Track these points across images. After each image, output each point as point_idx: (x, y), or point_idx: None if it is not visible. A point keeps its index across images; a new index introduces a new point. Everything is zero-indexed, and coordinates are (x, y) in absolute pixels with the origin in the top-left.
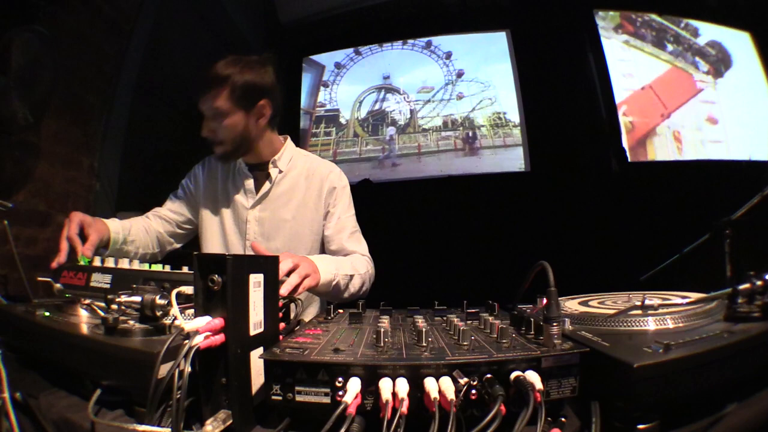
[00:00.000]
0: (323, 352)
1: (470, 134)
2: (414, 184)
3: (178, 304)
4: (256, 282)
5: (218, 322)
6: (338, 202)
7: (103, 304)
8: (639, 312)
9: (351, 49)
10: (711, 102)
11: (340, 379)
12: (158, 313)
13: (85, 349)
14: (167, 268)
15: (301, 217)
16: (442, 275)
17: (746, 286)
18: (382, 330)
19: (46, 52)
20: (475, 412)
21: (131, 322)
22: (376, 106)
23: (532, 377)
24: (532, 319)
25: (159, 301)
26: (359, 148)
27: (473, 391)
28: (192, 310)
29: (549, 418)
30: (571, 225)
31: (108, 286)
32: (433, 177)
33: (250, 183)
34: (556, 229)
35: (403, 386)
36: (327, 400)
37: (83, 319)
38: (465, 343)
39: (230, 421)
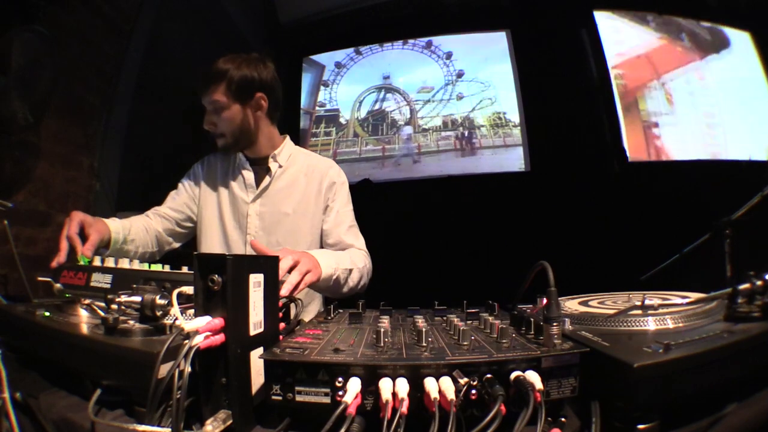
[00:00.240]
0: (323, 352)
1: (466, 134)
2: (414, 184)
3: (179, 304)
4: (256, 282)
5: (218, 322)
6: (337, 196)
7: (103, 304)
8: (639, 312)
9: (351, 49)
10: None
11: (340, 379)
12: (158, 313)
13: (85, 349)
14: (167, 268)
15: (302, 211)
16: (442, 275)
17: (746, 286)
18: (382, 330)
19: (46, 52)
20: (475, 412)
21: (131, 322)
22: (376, 106)
23: (532, 377)
24: (532, 319)
25: (159, 301)
26: (359, 148)
27: (473, 391)
28: (192, 310)
29: (549, 418)
30: (571, 225)
31: (108, 286)
32: (433, 177)
33: (250, 177)
34: (556, 229)
35: (403, 386)
36: (327, 400)
37: (83, 319)
38: (465, 343)
39: (230, 421)
